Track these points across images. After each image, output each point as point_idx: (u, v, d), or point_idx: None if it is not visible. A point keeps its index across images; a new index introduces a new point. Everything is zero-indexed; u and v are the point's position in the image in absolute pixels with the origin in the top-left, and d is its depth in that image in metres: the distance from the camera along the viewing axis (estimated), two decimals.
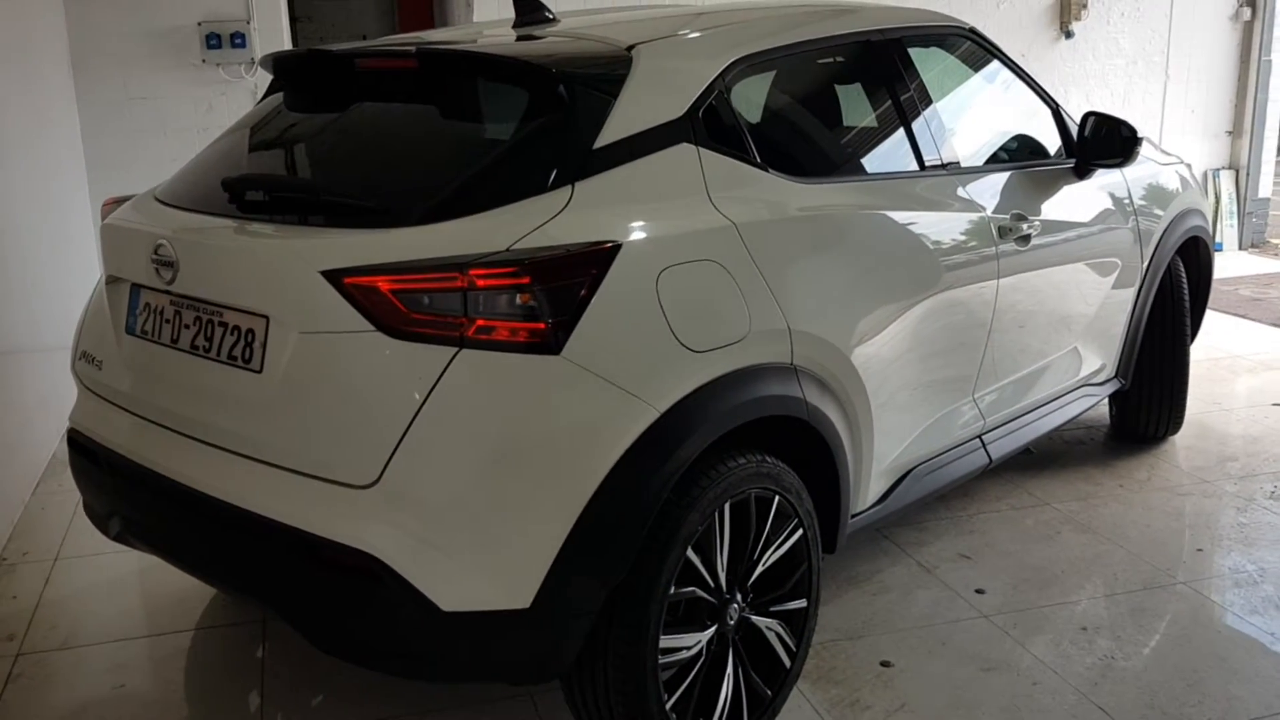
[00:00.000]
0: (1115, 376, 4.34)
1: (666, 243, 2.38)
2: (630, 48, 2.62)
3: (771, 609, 2.71)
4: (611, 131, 2.43)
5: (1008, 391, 3.65)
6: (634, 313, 2.29)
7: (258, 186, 2.57)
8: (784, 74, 3.08)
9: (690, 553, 2.42)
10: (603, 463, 2.23)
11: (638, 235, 2.33)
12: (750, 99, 2.95)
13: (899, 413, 3.08)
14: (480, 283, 2.16)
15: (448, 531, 2.21)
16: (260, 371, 2.33)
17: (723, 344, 2.42)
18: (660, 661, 2.42)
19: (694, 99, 2.59)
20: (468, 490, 2.19)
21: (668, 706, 2.46)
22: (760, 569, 2.64)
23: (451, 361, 2.18)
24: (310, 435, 2.27)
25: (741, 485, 2.52)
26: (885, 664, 3.09)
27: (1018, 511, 4.11)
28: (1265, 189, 9.25)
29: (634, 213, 2.37)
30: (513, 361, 2.19)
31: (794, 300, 2.60)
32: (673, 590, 2.40)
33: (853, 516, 3.01)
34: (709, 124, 2.61)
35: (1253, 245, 9.19)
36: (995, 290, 3.41)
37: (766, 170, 2.69)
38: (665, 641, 2.42)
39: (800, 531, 2.72)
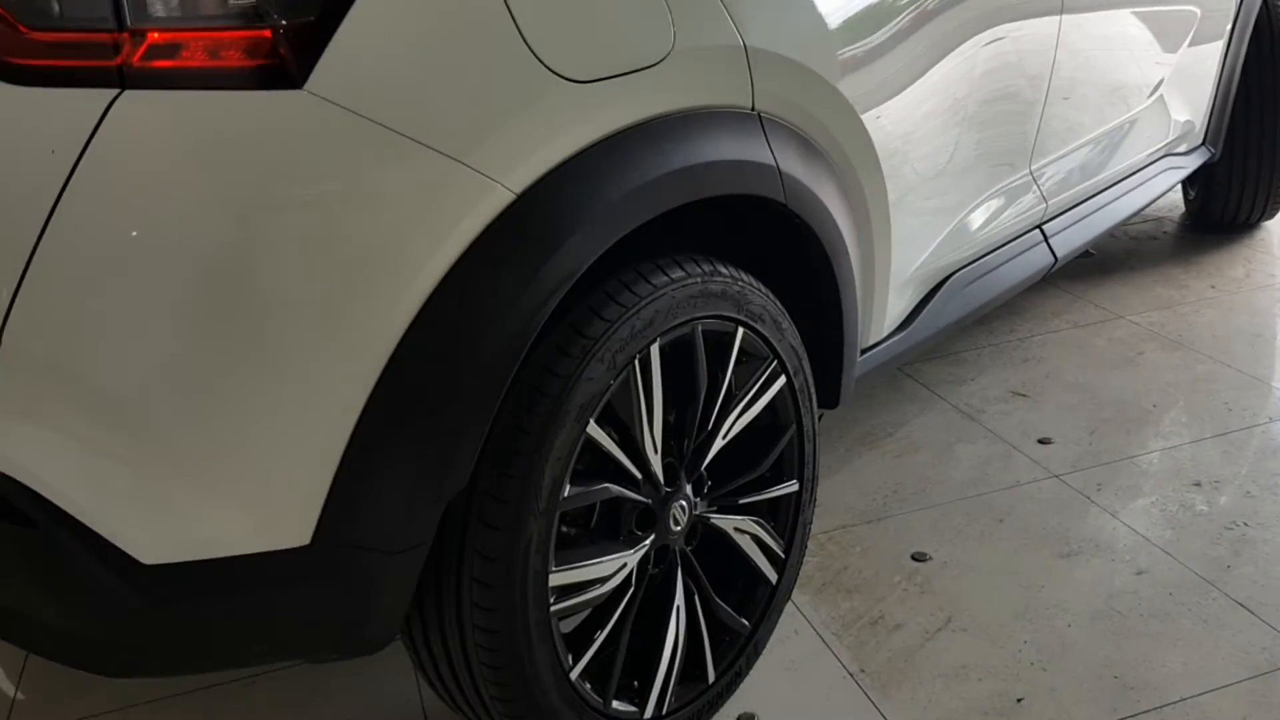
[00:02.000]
0: (1203, 145, 3.31)
1: None
2: None
3: (743, 500, 1.77)
4: None
5: (1076, 162, 2.62)
6: (454, 6, 1.26)
7: None
8: None
9: (594, 429, 1.46)
10: (408, 290, 1.24)
11: None
12: None
13: (929, 196, 2.07)
14: None
15: (135, 429, 1.24)
16: None
17: (625, 69, 1.39)
18: (555, 607, 1.48)
19: None
20: (160, 356, 1.21)
21: (573, 673, 1.54)
22: (720, 442, 1.68)
23: (105, 116, 1.17)
24: None
25: (677, 314, 1.53)
26: (919, 557, 2.16)
27: (1083, 330, 3.12)
28: None
29: None
30: (218, 107, 1.18)
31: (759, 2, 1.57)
32: (566, 491, 1.45)
33: (863, 352, 2.04)
34: None
35: None
36: (1058, 26, 2.37)
37: None
38: (561, 576, 1.48)
39: (782, 379, 1.75)
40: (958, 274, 2.25)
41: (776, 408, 1.77)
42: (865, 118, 1.79)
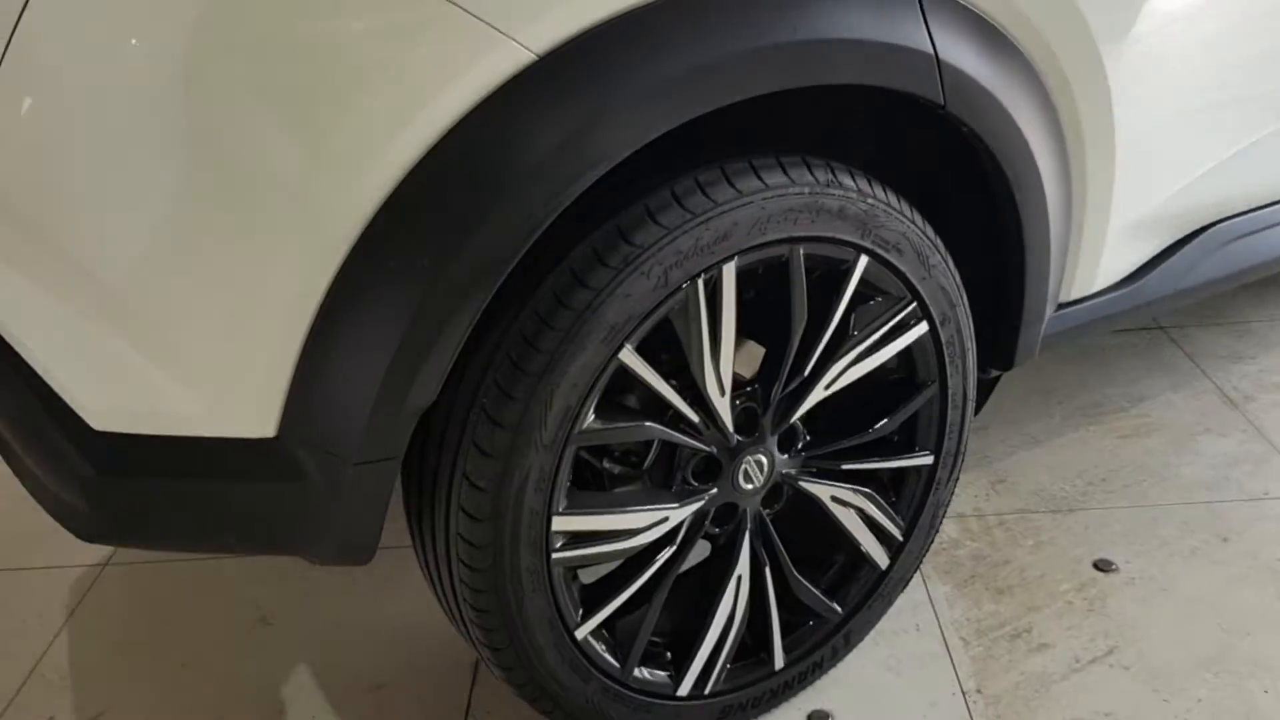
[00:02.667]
0: None
1: None
2: None
3: (849, 466, 1.46)
4: None
5: None
6: None
7: None
8: None
9: (630, 356, 1.20)
10: (387, 150, 1.02)
11: None
12: None
13: (1188, 112, 1.60)
14: None
15: (89, 279, 1.10)
16: None
17: None
18: (558, 555, 1.25)
19: None
20: (123, 195, 1.07)
21: (580, 630, 1.31)
22: (820, 391, 1.37)
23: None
24: None
25: (767, 230, 1.23)
26: (1102, 565, 1.75)
27: None
28: None
29: None
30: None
31: None
32: (585, 424, 1.21)
33: (1062, 307, 1.63)
34: None
35: None
36: None
37: None
38: (569, 520, 1.25)
39: (922, 327, 1.41)
40: (1222, 224, 1.76)
41: (914, 359, 1.44)
42: (1087, 13, 1.37)
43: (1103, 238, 1.57)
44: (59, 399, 1.16)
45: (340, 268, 1.05)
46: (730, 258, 1.22)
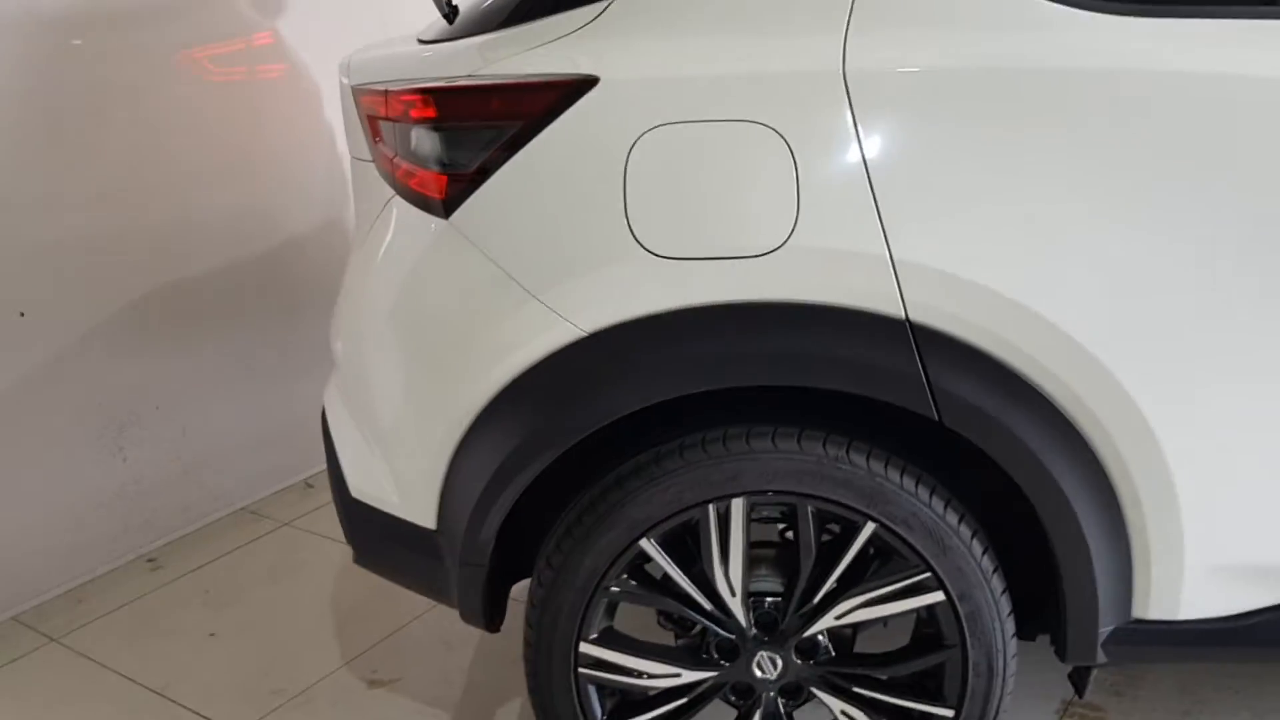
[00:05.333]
0: None
1: (688, 86, 1.53)
2: None
3: (859, 690, 1.73)
4: None
5: None
6: (575, 182, 1.56)
7: None
8: None
9: (649, 545, 1.66)
10: (489, 375, 1.63)
11: (641, 70, 1.55)
12: None
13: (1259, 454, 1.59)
14: (393, 109, 1.69)
15: (349, 390, 1.89)
16: None
17: (716, 254, 1.52)
18: (582, 670, 1.74)
19: None
20: (360, 347, 1.84)
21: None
22: (830, 620, 1.68)
23: (386, 204, 1.79)
24: None
25: (775, 482, 1.61)
26: None
27: None
28: None
29: (674, 38, 1.57)
30: (410, 217, 1.70)
31: (940, 216, 1.49)
32: (612, 582, 1.68)
33: (1141, 622, 1.69)
34: None
35: None
36: None
37: None
38: (592, 649, 1.72)
39: (937, 595, 1.65)
40: None
41: (939, 620, 1.68)
42: (1131, 388, 1.51)
43: (1179, 570, 1.63)
44: (341, 473, 1.93)
45: (464, 434, 1.67)
46: (738, 495, 1.62)
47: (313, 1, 3.24)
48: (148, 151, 2.86)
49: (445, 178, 1.63)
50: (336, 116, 3.25)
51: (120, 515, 2.92)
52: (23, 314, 2.64)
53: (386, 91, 1.69)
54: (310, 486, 3.34)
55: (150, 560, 2.95)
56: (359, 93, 1.84)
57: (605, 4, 1.61)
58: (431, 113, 1.63)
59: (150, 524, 2.99)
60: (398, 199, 1.74)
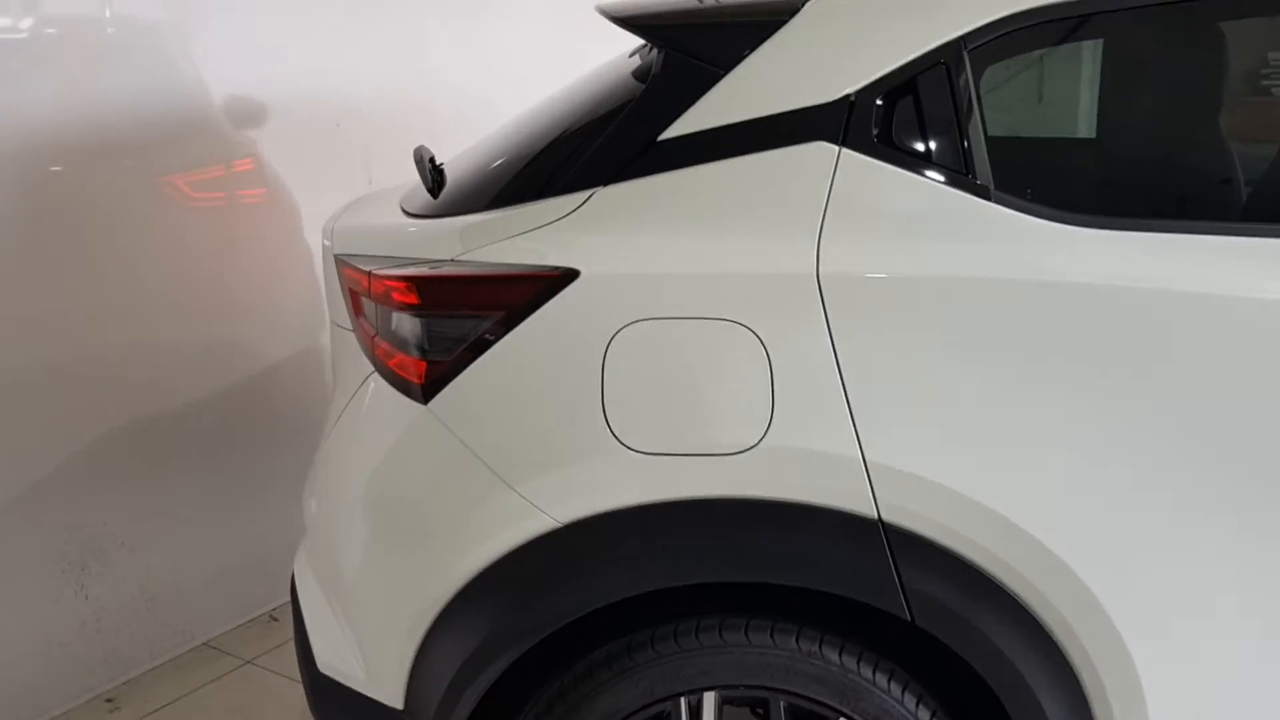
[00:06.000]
0: None
1: (667, 283, 1.57)
2: None
3: None
4: (698, 118, 1.64)
5: None
6: (554, 374, 1.58)
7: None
8: (1085, 40, 1.73)
9: None
10: (463, 562, 1.63)
11: (621, 266, 1.58)
12: (1012, 83, 1.73)
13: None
14: (375, 290, 1.72)
15: (319, 561, 1.88)
16: None
17: (691, 450, 1.54)
18: None
19: (873, 77, 1.59)
20: (333, 520, 1.83)
21: None
22: None
23: (362, 383, 1.80)
24: None
25: (747, 677, 1.61)
26: None
27: None
28: None
29: (654, 234, 1.60)
30: (389, 397, 1.71)
31: (918, 417, 1.51)
32: None
33: None
34: (892, 116, 1.60)
35: None
36: None
37: (991, 197, 1.55)
38: None
39: None
40: None
41: None
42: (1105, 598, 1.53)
43: None
44: (308, 643, 1.91)
45: (435, 619, 1.66)
46: (710, 688, 1.62)
47: (296, 125, 3.27)
48: (122, 278, 2.86)
49: (425, 364, 1.64)
50: (314, 242, 3.29)
51: (80, 653, 2.86)
52: None
53: (370, 273, 1.72)
54: (275, 620, 3.29)
55: (109, 700, 2.88)
56: (341, 263, 1.87)
57: (587, 194, 1.65)
58: (414, 299, 1.65)
59: (110, 661, 2.93)
60: (377, 375, 1.75)
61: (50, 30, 2.70)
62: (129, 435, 2.92)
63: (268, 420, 3.29)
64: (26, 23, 2.68)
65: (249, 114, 3.21)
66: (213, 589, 3.18)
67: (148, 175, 2.93)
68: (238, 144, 3.17)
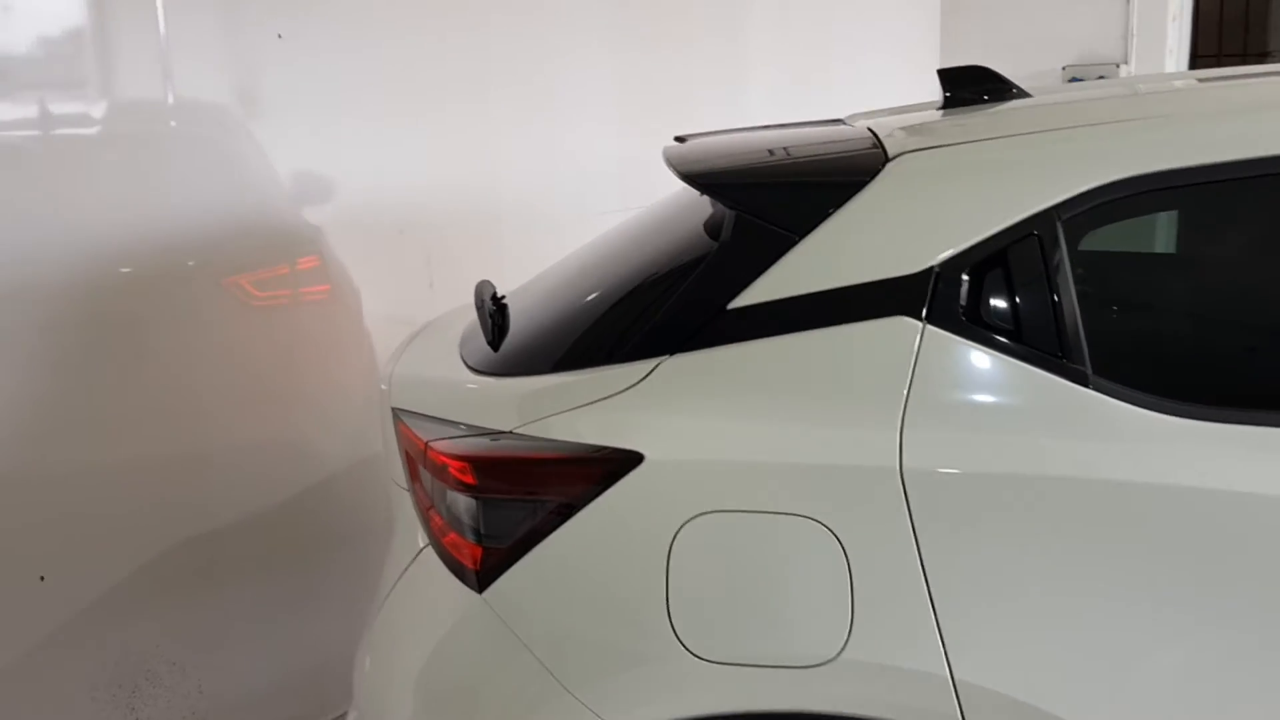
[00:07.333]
0: None
1: (736, 472, 1.48)
2: (891, 155, 1.61)
3: None
4: (770, 286, 1.55)
5: None
6: (615, 569, 1.49)
7: None
8: (1196, 212, 1.60)
9: None
10: None
11: (687, 451, 1.49)
12: (1109, 256, 1.62)
13: None
14: (433, 460, 1.63)
15: None
16: None
17: (763, 661, 1.43)
18: None
19: (960, 247, 1.49)
20: (382, 702, 1.72)
21: None
22: None
23: (418, 554, 1.72)
24: None
25: None
26: None
27: None
28: None
29: (722, 415, 1.50)
30: (443, 577, 1.63)
31: (1015, 638, 1.39)
32: None
33: None
34: (980, 290, 1.49)
35: None
36: None
37: (1090, 383, 1.44)
38: None
39: None
40: None
41: None
42: None
43: None
44: None
45: None
46: None
47: (359, 227, 3.23)
48: (179, 381, 2.81)
49: (480, 549, 1.56)
50: (377, 343, 3.25)
51: None
52: (43, 578, 2.57)
53: (428, 444, 1.64)
54: None
55: None
56: (399, 419, 1.79)
57: (654, 364, 1.56)
58: (470, 480, 1.57)
59: None
60: (428, 552, 1.67)
61: (118, 129, 2.68)
62: (182, 548, 2.87)
63: (322, 530, 3.23)
64: (94, 121, 2.66)
65: (314, 214, 3.18)
66: (265, 705, 3.10)
67: (216, 274, 2.89)
68: (302, 243, 3.13)
